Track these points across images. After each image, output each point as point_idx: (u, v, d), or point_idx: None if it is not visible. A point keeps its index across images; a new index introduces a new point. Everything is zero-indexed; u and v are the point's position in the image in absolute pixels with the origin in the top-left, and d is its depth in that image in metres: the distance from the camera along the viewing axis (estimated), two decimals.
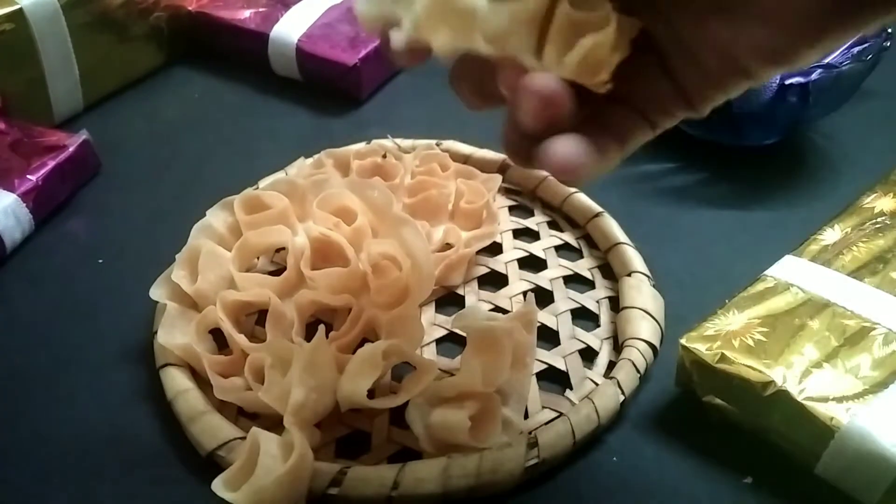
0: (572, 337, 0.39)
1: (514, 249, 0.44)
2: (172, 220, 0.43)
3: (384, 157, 0.47)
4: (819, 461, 0.31)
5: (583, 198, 0.46)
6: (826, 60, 0.47)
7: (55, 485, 0.34)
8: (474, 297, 0.41)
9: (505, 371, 0.34)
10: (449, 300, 0.41)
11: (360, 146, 0.49)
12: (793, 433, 0.32)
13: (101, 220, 0.48)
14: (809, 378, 0.32)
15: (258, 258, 0.43)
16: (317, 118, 0.56)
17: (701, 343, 0.34)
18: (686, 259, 0.44)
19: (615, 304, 0.40)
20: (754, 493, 0.33)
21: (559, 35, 0.24)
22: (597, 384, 0.36)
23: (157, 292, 0.38)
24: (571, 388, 0.37)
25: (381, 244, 0.40)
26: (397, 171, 0.46)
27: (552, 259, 0.43)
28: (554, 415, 0.35)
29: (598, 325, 0.40)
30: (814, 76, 0.45)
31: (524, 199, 0.48)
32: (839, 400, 0.31)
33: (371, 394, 0.35)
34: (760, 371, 0.32)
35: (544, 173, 0.47)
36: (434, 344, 0.39)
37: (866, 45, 0.47)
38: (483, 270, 0.43)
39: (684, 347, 0.34)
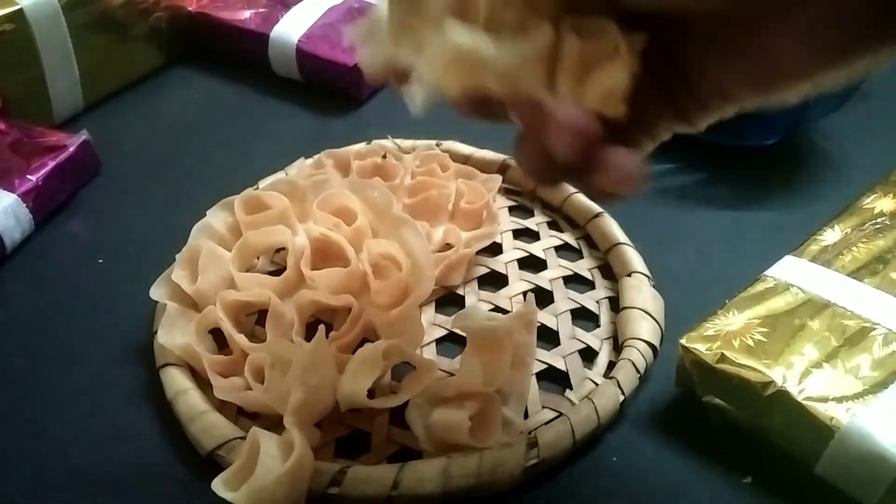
0: (572, 337, 0.39)
1: (514, 250, 0.44)
2: (172, 220, 0.43)
3: (384, 157, 0.47)
4: (819, 461, 0.31)
5: (582, 198, 0.46)
6: None
7: (55, 485, 0.34)
8: (474, 298, 0.41)
9: (505, 371, 0.34)
10: (449, 300, 0.41)
11: (361, 146, 0.49)
12: (793, 433, 0.32)
13: (101, 220, 0.48)
14: (809, 378, 0.32)
15: (258, 258, 0.43)
16: (317, 118, 0.56)
17: (701, 343, 0.34)
18: (686, 259, 0.44)
19: (615, 304, 0.40)
20: (754, 492, 0.33)
21: (570, 68, 0.24)
22: (597, 384, 0.36)
23: (157, 292, 0.38)
24: (571, 388, 0.37)
25: (381, 244, 0.40)
26: (397, 172, 0.46)
27: (552, 259, 0.43)
28: (554, 415, 0.35)
29: (598, 326, 0.40)
30: None
31: (524, 200, 0.48)
32: (839, 400, 0.31)
33: (371, 394, 0.35)
34: (760, 371, 0.32)
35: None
36: (434, 344, 0.39)
37: None
38: (483, 270, 0.43)
39: (684, 347, 0.34)
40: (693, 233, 0.46)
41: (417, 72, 0.25)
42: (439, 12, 0.24)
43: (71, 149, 0.48)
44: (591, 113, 0.24)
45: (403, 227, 0.40)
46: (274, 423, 0.34)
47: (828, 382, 0.32)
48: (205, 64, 0.62)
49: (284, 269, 0.40)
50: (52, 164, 0.47)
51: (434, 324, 0.40)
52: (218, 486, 0.30)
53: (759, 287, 0.37)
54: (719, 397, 0.34)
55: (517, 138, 0.27)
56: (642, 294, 0.39)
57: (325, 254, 0.40)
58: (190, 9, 0.61)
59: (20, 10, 0.49)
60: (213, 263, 0.39)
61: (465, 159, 0.49)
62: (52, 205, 0.47)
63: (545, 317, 0.40)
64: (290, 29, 0.58)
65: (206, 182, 0.50)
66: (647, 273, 0.41)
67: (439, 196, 0.44)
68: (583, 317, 0.40)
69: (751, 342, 0.34)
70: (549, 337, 0.39)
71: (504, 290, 0.41)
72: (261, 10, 0.60)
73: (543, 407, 0.36)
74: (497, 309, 0.40)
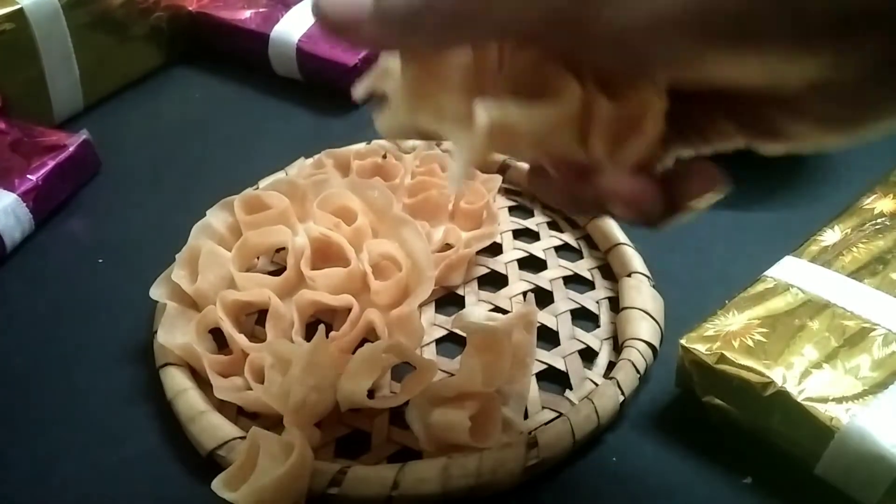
0: (572, 337, 0.39)
1: (514, 250, 0.44)
2: (172, 220, 0.43)
3: (384, 157, 0.47)
4: (819, 462, 0.31)
5: None
6: None
7: (55, 485, 0.34)
8: (474, 298, 0.41)
9: (505, 371, 0.34)
10: (449, 300, 0.41)
11: (361, 146, 0.49)
12: (793, 434, 0.32)
13: (101, 219, 0.48)
14: (809, 379, 0.32)
15: (258, 258, 0.43)
16: (317, 118, 0.56)
17: (701, 343, 0.34)
18: (686, 259, 0.44)
19: (615, 304, 0.40)
20: (754, 493, 0.33)
21: (603, 130, 0.24)
22: (596, 384, 0.36)
23: (157, 292, 0.38)
24: (571, 389, 0.37)
25: (382, 244, 0.40)
26: (397, 172, 0.46)
27: (552, 259, 0.43)
28: (554, 415, 0.35)
29: (598, 326, 0.40)
30: None
31: (524, 200, 0.48)
32: (839, 400, 0.31)
33: (371, 394, 0.35)
34: (760, 372, 0.32)
35: None
36: (434, 344, 0.39)
37: None
38: (483, 271, 0.43)
39: (684, 348, 0.34)
40: (693, 233, 0.46)
41: (452, 150, 0.25)
42: (457, 79, 0.24)
43: (71, 148, 0.48)
44: (644, 180, 0.24)
45: (403, 227, 0.40)
46: (274, 423, 0.34)
47: (828, 383, 0.32)
48: (205, 64, 0.62)
49: (284, 269, 0.40)
50: (52, 163, 0.47)
51: (434, 324, 0.40)
52: (218, 486, 0.30)
53: (759, 287, 0.37)
54: (719, 398, 0.34)
55: (535, 173, 0.27)
56: (642, 294, 0.39)
57: (325, 254, 0.40)
58: (190, 8, 0.61)
59: (20, 10, 0.49)
60: (213, 263, 0.39)
61: None
62: (52, 204, 0.47)
63: (545, 317, 0.40)
64: (291, 28, 0.58)
65: (206, 182, 0.50)
66: (647, 273, 0.41)
67: (439, 196, 0.44)
68: (583, 317, 0.40)
69: (751, 342, 0.34)
70: (549, 337, 0.39)
71: (504, 291, 0.41)
72: (261, 10, 0.60)
73: (543, 407, 0.36)
74: (497, 309, 0.40)
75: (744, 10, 0.19)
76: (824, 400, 0.31)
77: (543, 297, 0.41)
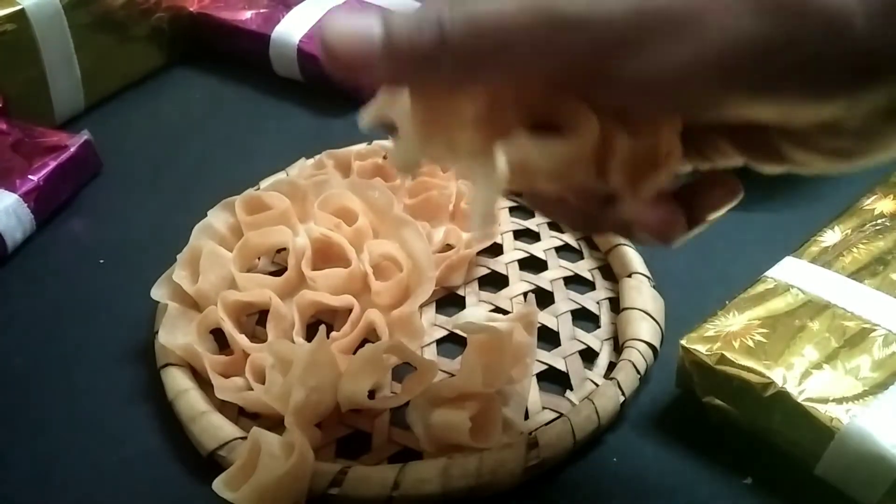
0: (573, 338, 0.39)
1: (514, 250, 0.44)
2: (173, 221, 0.43)
3: (385, 157, 0.47)
4: (819, 462, 0.31)
5: None
6: None
7: (56, 484, 0.34)
8: (475, 298, 0.41)
9: (505, 372, 0.34)
10: (449, 301, 0.41)
11: (361, 147, 0.49)
12: (793, 434, 0.32)
13: (102, 220, 0.48)
14: (809, 379, 0.32)
15: (259, 258, 0.43)
16: (318, 119, 0.56)
17: (701, 344, 0.34)
18: (686, 260, 0.44)
19: (615, 305, 0.40)
20: (754, 493, 0.33)
21: (622, 163, 0.23)
22: (597, 385, 0.36)
23: (158, 292, 0.39)
24: (572, 389, 0.37)
25: (382, 245, 0.40)
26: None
27: (552, 260, 0.43)
28: (554, 415, 0.35)
29: (599, 326, 0.40)
30: None
31: (524, 201, 0.48)
32: (839, 401, 0.31)
33: (371, 394, 0.35)
34: (760, 372, 0.32)
35: None
36: (434, 344, 0.39)
37: None
38: (484, 271, 0.43)
39: (684, 348, 0.34)
40: None
41: (469, 187, 0.25)
42: (470, 113, 0.23)
43: (72, 149, 0.48)
44: (666, 206, 0.24)
45: (404, 227, 0.40)
46: (275, 424, 0.34)
47: (828, 383, 0.32)
48: (206, 64, 0.62)
49: (285, 269, 0.40)
50: (53, 164, 0.47)
51: (434, 324, 0.40)
52: (219, 486, 0.30)
53: (760, 288, 0.37)
54: (719, 398, 0.34)
55: (554, 201, 0.27)
56: (642, 295, 0.39)
57: (325, 254, 0.40)
58: (191, 9, 0.61)
59: (22, 10, 0.49)
60: (214, 264, 0.39)
61: None
62: (53, 205, 0.47)
63: (546, 317, 0.40)
64: (292, 29, 0.58)
65: (207, 182, 0.50)
66: (648, 274, 0.41)
67: (440, 196, 0.44)
68: (583, 317, 0.40)
69: (751, 343, 0.34)
70: (549, 337, 0.39)
71: (504, 291, 0.41)
72: (262, 11, 0.60)
73: (544, 408, 0.36)
74: (498, 309, 0.40)
75: (766, 62, 0.19)
76: (824, 400, 0.31)
77: (544, 298, 0.41)
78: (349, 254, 0.39)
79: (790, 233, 0.41)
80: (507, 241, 0.44)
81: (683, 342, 0.35)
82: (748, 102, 0.20)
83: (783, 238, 0.41)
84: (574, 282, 0.42)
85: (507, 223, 0.46)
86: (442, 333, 0.39)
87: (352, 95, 0.57)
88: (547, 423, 0.34)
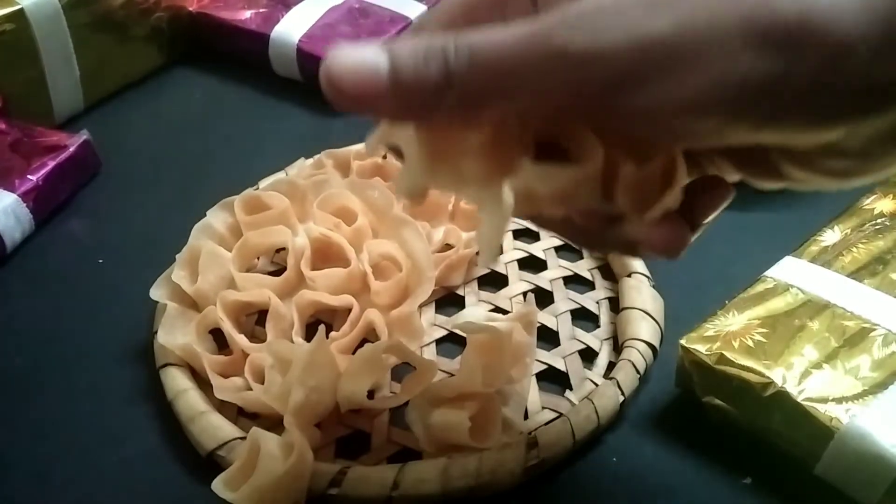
0: (572, 337, 0.39)
1: (514, 250, 0.44)
2: (173, 221, 0.43)
3: (384, 157, 0.47)
4: (819, 462, 0.31)
5: None
6: None
7: (55, 484, 0.34)
8: (474, 298, 0.41)
9: (505, 372, 0.34)
10: (449, 301, 0.41)
11: (361, 147, 0.49)
12: (792, 434, 0.32)
13: (101, 220, 0.48)
14: (809, 379, 0.32)
15: (258, 258, 0.43)
16: (317, 118, 0.56)
17: (700, 344, 0.34)
18: (686, 260, 0.43)
19: (615, 304, 0.40)
20: (754, 493, 0.33)
21: (628, 188, 0.24)
22: (597, 385, 0.36)
23: (157, 292, 0.39)
24: (571, 389, 0.37)
25: (382, 245, 0.40)
26: (397, 172, 0.46)
27: (552, 260, 0.43)
28: (554, 415, 0.35)
29: (598, 326, 0.40)
30: None
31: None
32: (839, 401, 0.31)
33: (371, 394, 0.35)
34: (760, 372, 0.32)
35: None
36: (434, 344, 0.39)
37: None
38: (483, 271, 0.43)
39: (684, 348, 0.34)
40: None
41: (478, 213, 0.25)
42: (475, 142, 0.23)
43: (71, 149, 0.48)
44: (671, 225, 0.24)
45: (404, 227, 0.40)
46: (274, 424, 0.34)
47: (827, 383, 0.32)
48: (205, 64, 0.62)
49: (284, 269, 0.40)
50: (52, 163, 0.47)
51: (434, 324, 0.40)
52: (218, 486, 0.30)
53: (759, 288, 0.37)
54: (719, 398, 0.34)
55: (561, 222, 0.27)
56: (642, 294, 0.39)
57: (325, 254, 0.40)
58: (190, 9, 0.61)
59: (21, 10, 0.49)
60: (213, 263, 0.39)
61: None
62: (52, 205, 0.47)
63: (545, 317, 0.40)
64: (291, 29, 0.58)
65: (206, 182, 0.50)
66: (647, 273, 0.41)
67: (439, 196, 0.44)
68: (583, 317, 0.40)
69: (750, 343, 0.34)
70: (549, 337, 0.39)
71: (504, 291, 0.41)
72: (261, 10, 0.60)
73: (543, 407, 0.36)
74: (497, 309, 0.40)
75: (767, 95, 0.19)
76: (824, 400, 0.31)
77: (543, 298, 0.41)
78: (348, 254, 0.39)
79: (790, 232, 0.41)
80: (507, 241, 0.44)
81: (683, 342, 0.35)
82: (750, 132, 0.20)
83: (783, 238, 0.41)
84: (573, 281, 0.42)
85: None
86: (441, 333, 0.39)
87: None
88: (546, 423, 0.34)
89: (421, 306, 0.39)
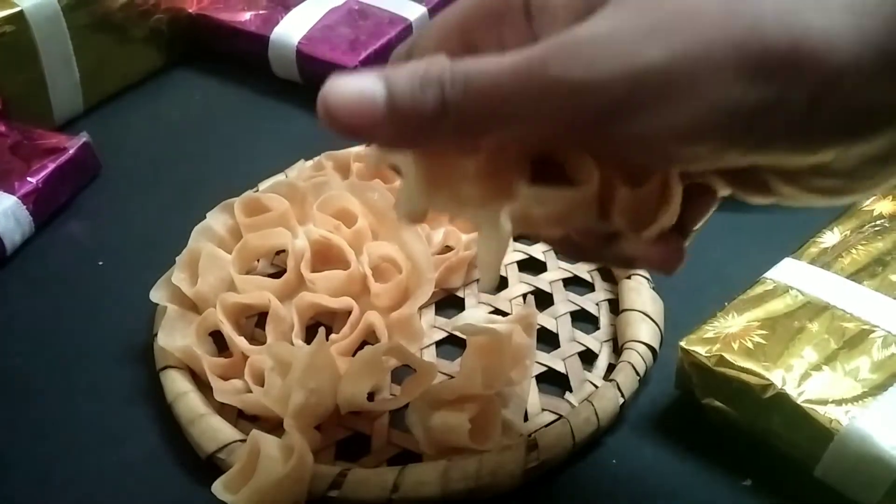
0: (572, 339, 0.39)
1: (513, 252, 0.44)
2: (172, 223, 0.43)
3: None
4: (818, 463, 0.31)
5: None
6: None
7: (55, 486, 0.34)
8: (474, 300, 0.41)
9: (505, 374, 0.34)
10: (449, 303, 0.41)
11: (361, 148, 0.49)
12: (792, 436, 0.32)
13: (101, 222, 0.48)
14: (809, 381, 0.32)
15: (258, 261, 0.43)
16: (317, 120, 0.56)
17: (700, 346, 0.34)
18: (685, 261, 0.44)
19: (615, 306, 0.40)
20: (754, 495, 0.33)
21: (625, 211, 0.24)
22: (596, 387, 0.36)
23: (157, 295, 0.39)
24: (571, 391, 0.37)
25: (382, 247, 0.40)
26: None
27: (552, 261, 0.43)
28: (553, 417, 0.35)
29: (598, 328, 0.40)
30: None
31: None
32: (838, 402, 0.31)
33: (371, 396, 0.35)
34: (760, 374, 0.32)
35: None
36: (434, 346, 0.39)
37: None
38: None
39: (683, 350, 0.34)
40: None
41: (478, 237, 0.25)
42: (472, 167, 0.23)
43: (71, 151, 0.48)
44: (668, 243, 0.25)
45: (403, 229, 0.40)
46: (274, 426, 0.34)
47: (827, 385, 0.32)
48: (205, 65, 0.62)
49: (284, 271, 0.40)
50: (52, 166, 0.47)
51: (434, 326, 0.40)
52: (218, 488, 0.30)
53: (759, 289, 0.37)
54: (719, 400, 0.34)
55: (559, 240, 0.28)
56: (642, 296, 0.39)
57: (325, 256, 0.40)
58: (190, 10, 0.61)
59: (20, 12, 0.49)
60: (213, 266, 0.39)
61: None
62: (52, 207, 0.47)
63: (545, 319, 0.40)
64: (291, 31, 0.58)
65: (206, 184, 0.50)
66: (647, 275, 0.41)
67: None
68: (582, 319, 0.40)
69: (750, 345, 0.34)
70: (548, 339, 0.39)
71: (504, 293, 0.41)
72: (261, 12, 0.60)
73: (543, 409, 0.36)
74: (497, 311, 0.40)
75: (759, 123, 0.19)
76: (824, 402, 0.31)
77: (543, 299, 0.41)
78: (348, 256, 0.39)
79: (789, 234, 0.41)
80: None
81: (683, 344, 0.35)
82: (743, 156, 0.21)
83: (782, 239, 0.41)
84: (573, 283, 0.42)
85: None
86: (441, 335, 0.39)
87: None
88: (546, 425, 0.34)
89: (421, 308, 0.39)
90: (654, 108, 0.19)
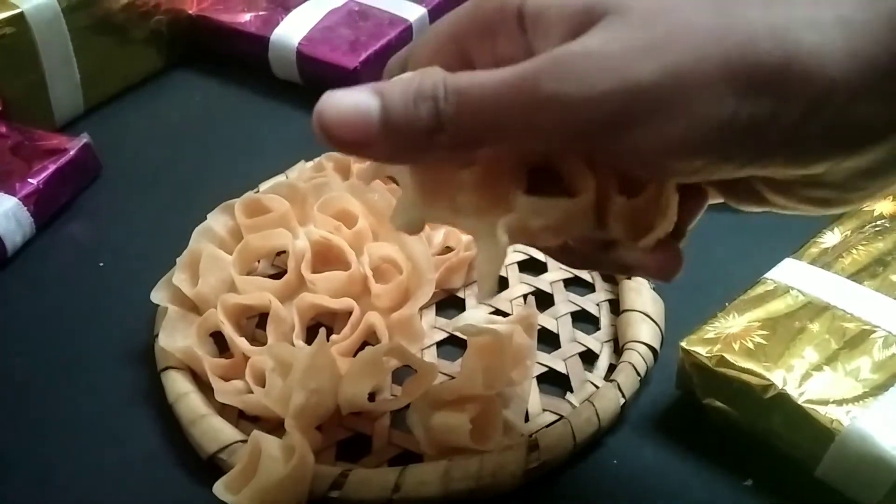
0: (573, 340, 0.39)
1: (514, 252, 0.44)
2: (173, 224, 0.43)
3: None
4: (819, 464, 0.31)
5: None
6: None
7: (56, 486, 0.34)
8: (475, 300, 0.41)
9: (506, 374, 0.34)
10: (449, 303, 0.41)
11: None
12: (793, 436, 0.32)
13: (101, 223, 0.48)
14: (810, 381, 0.32)
15: (259, 261, 0.43)
16: None
17: (701, 346, 0.34)
18: (686, 262, 0.43)
19: (615, 306, 0.40)
20: (754, 495, 0.33)
21: (622, 220, 0.24)
22: (597, 387, 0.36)
23: (157, 295, 0.39)
24: (572, 391, 0.37)
25: (382, 247, 0.40)
26: None
27: (552, 262, 0.43)
28: (554, 417, 0.35)
29: (599, 328, 0.40)
30: None
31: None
32: (839, 403, 0.31)
33: (372, 397, 0.35)
34: (760, 374, 0.32)
35: None
36: (434, 347, 0.39)
37: None
38: None
39: (684, 350, 0.34)
40: (692, 235, 0.45)
41: (475, 247, 0.25)
42: (468, 178, 0.23)
43: (72, 152, 0.48)
44: (664, 251, 0.25)
45: None
46: (275, 427, 0.34)
47: (828, 385, 0.32)
48: (205, 67, 0.62)
49: (285, 272, 0.40)
50: (52, 167, 0.47)
51: (434, 327, 0.40)
52: (219, 489, 0.30)
53: (759, 290, 0.37)
54: (720, 400, 0.34)
55: (558, 249, 0.28)
56: (642, 297, 0.39)
57: (325, 257, 0.40)
58: (190, 12, 0.61)
59: (21, 14, 0.49)
60: (213, 267, 0.39)
61: None
62: (52, 208, 0.47)
63: (545, 319, 0.40)
64: (291, 32, 0.58)
65: (206, 185, 0.50)
66: None
67: None
68: (583, 319, 0.40)
69: (751, 345, 0.34)
70: (549, 340, 0.39)
71: (504, 293, 0.41)
72: (261, 13, 0.60)
73: (544, 410, 0.36)
74: (497, 312, 0.40)
75: (750, 138, 0.20)
76: (825, 402, 0.31)
77: (544, 300, 0.41)
78: (349, 256, 0.39)
79: (790, 234, 0.41)
80: None
81: (683, 344, 0.35)
82: (736, 170, 0.21)
83: (783, 239, 0.41)
84: (574, 283, 0.42)
85: None
86: (442, 336, 0.39)
87: None
88: (547, 426, 0.34)
89: (421, 309, 0.39)
90: (647, 123, 0.20)
